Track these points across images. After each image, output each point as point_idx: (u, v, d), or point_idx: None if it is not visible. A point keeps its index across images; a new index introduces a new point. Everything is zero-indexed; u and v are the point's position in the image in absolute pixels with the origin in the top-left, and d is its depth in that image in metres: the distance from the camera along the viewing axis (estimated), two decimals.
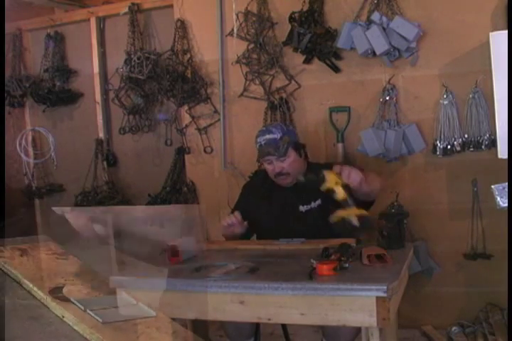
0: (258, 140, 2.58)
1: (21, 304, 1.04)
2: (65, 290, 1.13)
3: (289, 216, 2.57)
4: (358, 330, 2.12)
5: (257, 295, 1.90)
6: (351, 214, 2.08)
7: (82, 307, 1.00)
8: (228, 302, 1.92)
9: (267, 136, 2.54)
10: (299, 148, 2.60)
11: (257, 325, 2.49)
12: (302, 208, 2.56)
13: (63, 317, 0.97)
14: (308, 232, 2.47)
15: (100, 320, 0.96)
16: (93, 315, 0.97)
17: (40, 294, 1.06)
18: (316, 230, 2.46)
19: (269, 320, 1.95)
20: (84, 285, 1.18)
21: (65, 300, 1.06)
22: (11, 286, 1.11)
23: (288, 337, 2.70)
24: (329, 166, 2.51)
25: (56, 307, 1.01)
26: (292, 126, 2.63)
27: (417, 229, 3.14)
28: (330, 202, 2.34)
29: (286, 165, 2.54)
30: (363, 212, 2.09)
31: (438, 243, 3.15)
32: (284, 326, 2.67)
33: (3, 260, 1.22)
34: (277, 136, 2.53)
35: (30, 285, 1.10)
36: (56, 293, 1.10)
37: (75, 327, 0.94)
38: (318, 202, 2.54)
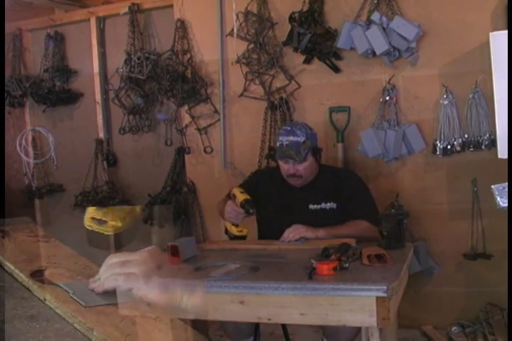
0: (280, 139, 2.58)
1: (3, 287, 1.03)
2: (46, 273, 1.12)
3: (298, 212, 2.60)
4: (358, 330, 2.12)
5: (257, 295, 1.90)
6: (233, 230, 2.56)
7: (71, 291, 1.00)
8: (228, 302, 1.92)
9: (291, 138, 2.54)
10: (317, 152, 2.64)
11: (257, 324, 2.50)
12: (312, 206, 2.60)
13: (45, 300, 0.97)
14: None
15: (83, 304, 0.96)
16: (76, 298, 0.97)
17: (21, 276, 1.06)
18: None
19: (269, 320, 1.95)
20: (66, 268, 1.18)
21: (47, 283, 1.05)
22: None
23: (288, 337, 2.70)
24: (340, 173, 2.78)
25: (38, 291, 1.01)
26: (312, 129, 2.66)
27: (417, 229, 3.14)
28: (346, 209, 2.55)
29: (302, 169, 2.57)
30: (243, 233, 2.55)
31: (438, 243, 3.15)
32: (284, 326, 2.67)
33: None
34: (301, 139, 2.53)
35: (12, 268, 1.10)
36: (38, 275, 1.09)
37: (57, 311, 0.93)
38: (332, 205, 2.59)
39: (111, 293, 0.99)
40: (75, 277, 1.12)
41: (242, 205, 2.48)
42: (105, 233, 2.13)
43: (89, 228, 2.03)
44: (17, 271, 1.08)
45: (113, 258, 0.90)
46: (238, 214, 2.52)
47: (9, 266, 1.11)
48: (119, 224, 2.14)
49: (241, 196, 2.51)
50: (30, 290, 1.01)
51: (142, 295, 0.88)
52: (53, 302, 0.95)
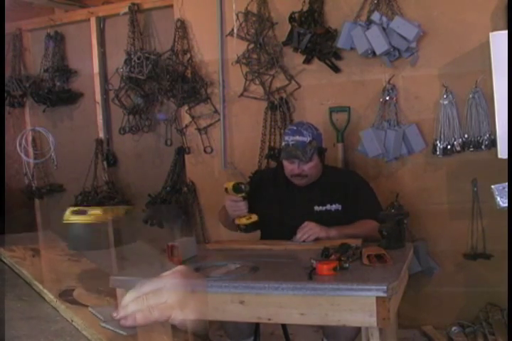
0: (286, 139, 2.56)
1: (30, 305, 1.03)
2: (75, 293, 1.12)
3: (303, 214, 2.57)
4: (358, 330, 2.12)
5: (257, 295, 1.90)
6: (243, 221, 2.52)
7: (102, 318, 0.98)
8: (228, 302, 1.92)
9: (297, 138, 2.53)
10: (322, 152, 2.64)
11: (257, 324, 2.49)
12: (317, 208, 2.59)
13: (72, 321, 0.96)
14: None
15: (123, 333, 0.93)
16: (110, 327, 0.95)
17: (49, 296, 1.05)
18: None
19: (269, 320, 1.95)
20: (94, 288, 1.17)
21: (75, 303, 1.05)
22: (21, 287, 1.10)
23: (288, 337, 2.70)
24: (343, 174, 2.79)
25: (65, 311, 1.00)
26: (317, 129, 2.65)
27: (417, 229, 3.14)
28: (352, 210, 2.52)
29: (307, 169, 2.56)
30: (253, 219, 2.51)
31: (438, 243, 3.15)
32: (284, 326, 2.67)
33: (15, 260, 1.21)
34: (307, 139, 2.52)
35: (41, 287, 1.09)
36: (66, 295, 1.09)
37: (84, 332, 0.92)
38: (337, 206, 2.58)
39: None
40: (103, 298, 1.12)
41: (235, 189, 2.47)
42: (86, 222, 2.02)
43: (68, 221, 1.93)
44: (45, 291, 1.08)
45: (143, 287, 0.84)
46: (238, 203, 2.49)
47: (38, 286, 1.11)
48: (100, 212, 2.05)
49: (230, 183, 2.51)
50: (57, 310, 1.00)
51: (179, 324, 0.84)
52: (80, 323, 0.94)
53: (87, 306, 1.03)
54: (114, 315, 0.83)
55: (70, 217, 2.08)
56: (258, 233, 2.72)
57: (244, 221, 2.50)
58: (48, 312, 0.99)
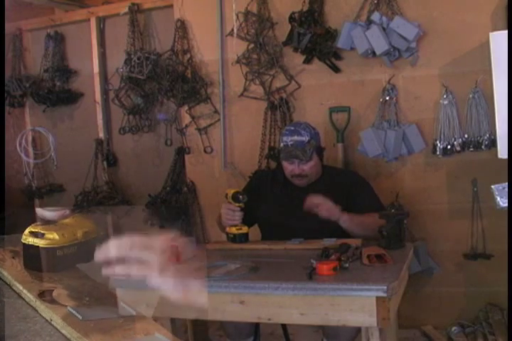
0: (285, 139, 2.55)
1: (10, 306, 1.03)
2: (54, 293, 1.12)
3: (303, 215, 2.54)
4: (358, 330, 2.12)
5: (257, 295, 1.90)
6: (233, 230, 2.51)
7: (80, 317, 0.99)
8: (228, 302, 1.92)
9: (296, 138, 2.52)
10: (321, 151, 2.63)
11: (257, 324, 2.49)
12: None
13: (51, 320, 0.97)
14: (318, 231, 2.46)
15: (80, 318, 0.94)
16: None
17: (29, 296, 1.06)
18: (327, 230, 2.46)
19: (269, 320, 1.95)
20: (74, 289, 1.17)
21: (54, 303, 1.05)
22: (1, 288, 1.11)
23: (288, 337, 2.70)
24: (343, 174, 2.79)
25: (44, 311, 1.01)
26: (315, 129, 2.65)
27: (417, 229, 3.14)
28: (353, 210, 2.50)
29: (307, 168, 2.55)
30: (243, 230, 2.50)
31: (438, 243, 3.15)
32: (284, 326, 2.67)
33: None
34: (305, 138, 2.52)
35: (20, 288, 1.10)
36: (46, 296, 1.09)
37: (63, 331, 0.93)
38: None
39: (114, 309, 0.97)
40: (83, 298, 1.12)
41: (233, 198, 2.47)
42: (39, 245, 2.03)
43: (24, 241, 1.96)
44: (25, 291, 1.08)
45: (132, 242, 0.83)
46: (235, 212, 2.49)
47: (17, 286, 1.11)
48: (56, 237, 2.04)
49: (231, 190, 2.51)
50: (36, 310, 1.01)
51: (153, 287, 0.84)
52: (59, 322, 0.95)
53: (66, 306, 1.04)
54: (98, 256, 0.82)
55: (28, 237, 2.09)
56: (258, 233, 2.73)
57: (234, 230, 2.49)
58: (28, 313, 0.99)
